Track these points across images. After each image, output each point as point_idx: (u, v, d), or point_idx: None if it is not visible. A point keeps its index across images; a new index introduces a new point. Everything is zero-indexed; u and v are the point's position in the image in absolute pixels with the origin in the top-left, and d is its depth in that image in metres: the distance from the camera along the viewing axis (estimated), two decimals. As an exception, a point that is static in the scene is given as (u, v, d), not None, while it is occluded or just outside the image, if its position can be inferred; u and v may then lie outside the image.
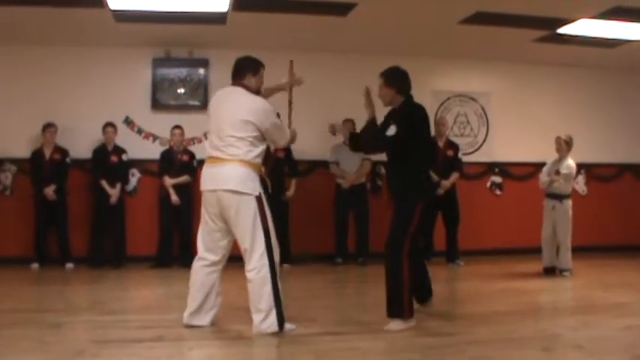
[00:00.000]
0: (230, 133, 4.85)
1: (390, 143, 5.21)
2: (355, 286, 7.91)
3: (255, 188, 4.85)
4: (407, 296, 5.08)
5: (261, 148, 4.95)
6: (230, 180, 4.83)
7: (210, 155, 4.94)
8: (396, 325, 5.04)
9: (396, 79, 5.32)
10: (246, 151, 4.85)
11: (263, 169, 5.08)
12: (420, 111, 5.34)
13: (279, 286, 4.88)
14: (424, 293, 5.68)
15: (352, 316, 5.63)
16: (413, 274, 5.17)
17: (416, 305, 5.32)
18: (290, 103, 5.49)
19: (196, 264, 5.07)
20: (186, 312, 5.08)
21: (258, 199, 4.85)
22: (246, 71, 5.06)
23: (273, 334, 4.81)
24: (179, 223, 8.91)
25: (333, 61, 9.66)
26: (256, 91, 5.08)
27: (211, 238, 5.01)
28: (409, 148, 5.18)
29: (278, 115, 5.27)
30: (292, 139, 5.40)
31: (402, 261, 5.04)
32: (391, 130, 5.15)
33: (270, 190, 5.20)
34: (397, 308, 5.06)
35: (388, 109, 5.45)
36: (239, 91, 5.02)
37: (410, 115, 5.27)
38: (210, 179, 4.91)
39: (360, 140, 5.56)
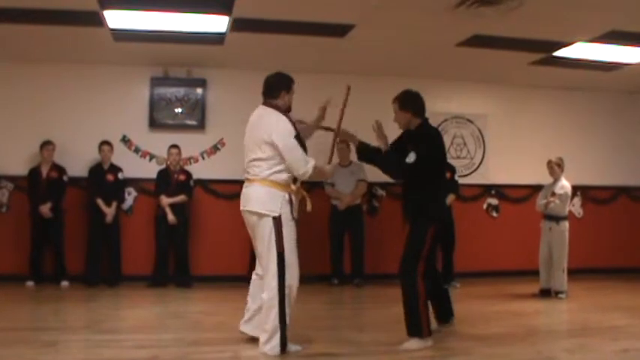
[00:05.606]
0: (254, 155, 4.95)
1: (408, 171, 5.30)
2: (351, 307, 7.89)
3: (274, 209, 4.88)
4: (424, 316, 5.18)
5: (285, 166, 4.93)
6: (251, 200, 4.95)
7: (244, 177, 5.08)
8: (413, 343, 5.13)
9: (409, 102, 5.50)
10: (267, 170, 4.90)
11: (294, 186, 5.08)
12: (438, 135, 5.51)
13: (287, 310, 4.88)
14: (441, 314, 5.88)
15: (349, 338, 5.62)
16: (430, 296, 5.38)
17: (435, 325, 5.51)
18: (335, 137, 5.44)
19: (253, 276, 5.25)
20: (242, 319, 5.23)
21: (276, 220, 4.88)
22: (280, 89, 5.10)
23: (275, 356, 4.80)
24: (175, 243, 8.90)
25: (332, 82, 9.48)
26: (287, 108, 5.12)
27: (256, 253, 5.13)
28: (426, 173, 5.29)
29: (300, 138, 5.03)
30: (327, 175, 5.33)
31: (416, 283, 5.16)
32: (411, 158, 5.24)
33: (307, 207, 5.18)
34: (415, 328, 5.18)
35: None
36: (267, 112, 5.04)
37: (429, 140, 5.38)
38: (242, 199, 5.06)
39: (379, 163, 5.55)
